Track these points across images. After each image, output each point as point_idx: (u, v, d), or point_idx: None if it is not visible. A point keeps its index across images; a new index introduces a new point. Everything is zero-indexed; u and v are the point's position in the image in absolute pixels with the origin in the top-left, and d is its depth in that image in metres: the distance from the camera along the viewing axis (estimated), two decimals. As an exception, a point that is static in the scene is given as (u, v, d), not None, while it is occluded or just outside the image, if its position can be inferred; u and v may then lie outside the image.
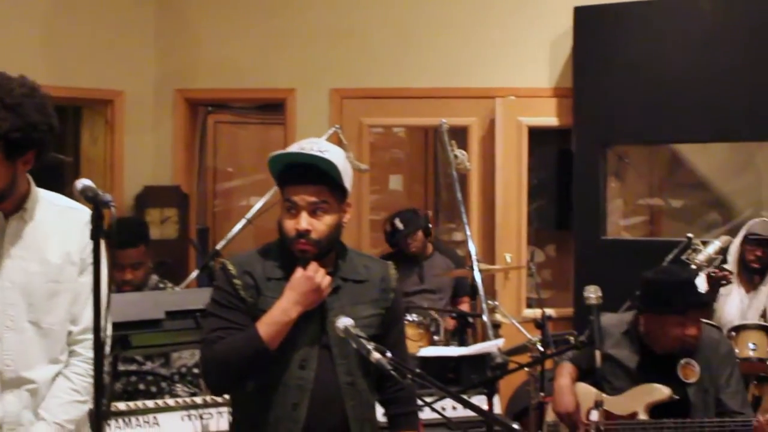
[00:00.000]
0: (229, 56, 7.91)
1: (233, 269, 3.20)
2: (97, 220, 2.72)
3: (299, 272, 3.12)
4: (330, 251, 3.20)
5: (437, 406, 4.52)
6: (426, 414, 3.50)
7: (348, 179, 3.19)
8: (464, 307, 7.03)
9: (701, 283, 5.60)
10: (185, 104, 8.06)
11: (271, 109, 8.79)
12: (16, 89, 2.81)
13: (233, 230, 6.07)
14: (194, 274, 6.09)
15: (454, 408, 4.92)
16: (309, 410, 3.14)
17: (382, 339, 3.28)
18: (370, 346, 2.90)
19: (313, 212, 3.12)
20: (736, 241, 5.84)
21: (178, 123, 8.00)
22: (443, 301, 7.13)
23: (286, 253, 3.18)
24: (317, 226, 3.12)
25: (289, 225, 3.14)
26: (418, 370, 2.94)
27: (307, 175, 3.12)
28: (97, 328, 2.70)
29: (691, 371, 4.31)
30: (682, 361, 4.33)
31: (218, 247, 6.07)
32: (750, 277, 5.80)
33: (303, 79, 7.84)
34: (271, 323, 3.09)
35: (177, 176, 7.99)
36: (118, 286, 4.93)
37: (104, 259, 2.87)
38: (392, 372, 2.84)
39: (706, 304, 4.33)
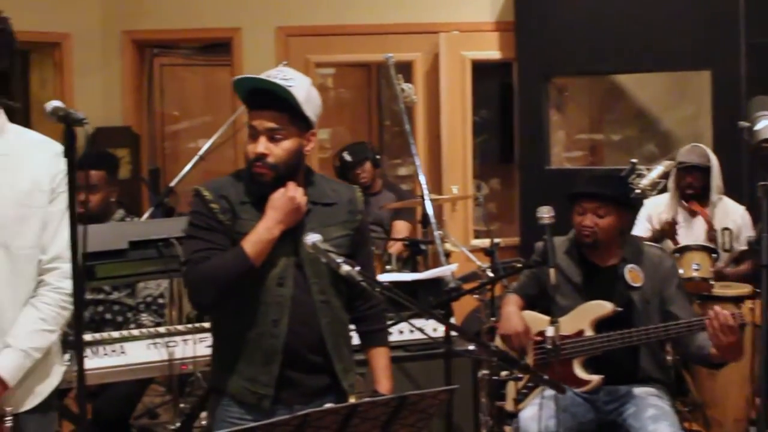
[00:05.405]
0: (174, -4, 7.91)
1: (209, 194, 3.28)
2: (70, 140, 2.68)
3: (279, 192, 3.23)
4: (290, 177, 3.28)
5: (394, 331, 4.69)
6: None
7: (311, 109, 3.28)
8: (400, 230, 7.11)
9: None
10: (132, 45, 8.05)
11: (217, 50, 8.80)
12: None
13: (186, 168, 6.13)
14: (150, 211, 6.14)
15: (411, 332, 4.99)
16: (288, 326, 3.25)
17: (352, 259, 3.41)
18: (340, 259, 3.02)
19: (272, 138, 3.22)
20: (673, 171, 5.96)
21: (126, 64, 8.00)
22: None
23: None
24: (274, 150, 3.22)
25: (249, 148, 3.25)
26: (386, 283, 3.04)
27: (267, 101, 3.22)
28: (74, 256, 2.72)
29: (636, 275, 4.42)
30: (628, 266, 4.44)
31: (172, 184, 6.16)
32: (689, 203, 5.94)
33: (248, 17, 7.85)
34: (256, 241, 3.19)
35: (127, 117, 8.00)
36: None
37: None
38: (362, 282, 2.96)
39: (597, 196, 4.36)
